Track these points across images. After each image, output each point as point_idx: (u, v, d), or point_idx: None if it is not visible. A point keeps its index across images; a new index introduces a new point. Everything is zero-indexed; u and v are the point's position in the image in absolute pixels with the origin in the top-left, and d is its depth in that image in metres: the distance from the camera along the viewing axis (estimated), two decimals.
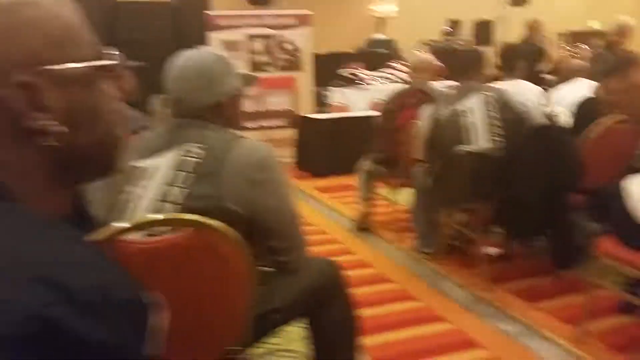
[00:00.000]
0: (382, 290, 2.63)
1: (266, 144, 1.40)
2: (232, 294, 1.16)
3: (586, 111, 2.68)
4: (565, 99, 3.35)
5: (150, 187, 1.25)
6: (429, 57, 3.95)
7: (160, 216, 1.14)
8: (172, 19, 6.91)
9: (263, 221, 1.33)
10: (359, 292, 2.56)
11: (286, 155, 6.96)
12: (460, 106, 2.63)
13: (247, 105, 6.87)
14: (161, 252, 1.06)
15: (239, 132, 1.38)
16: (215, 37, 6.65)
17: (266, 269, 1.48)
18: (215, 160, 1.26)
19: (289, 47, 6.94)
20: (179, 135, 1.31)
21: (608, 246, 1.90)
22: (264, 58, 6.87)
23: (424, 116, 2.79)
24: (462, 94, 2.71)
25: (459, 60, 2.96)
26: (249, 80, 1.56)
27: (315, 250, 3.29)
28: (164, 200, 1.23)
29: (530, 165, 2.36)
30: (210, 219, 1.09)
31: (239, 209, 1.25)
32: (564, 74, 3.92)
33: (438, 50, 9.96)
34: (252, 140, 1.37)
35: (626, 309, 2.21)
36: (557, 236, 2.53)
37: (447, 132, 2.63)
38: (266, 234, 1.36)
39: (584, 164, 2.39)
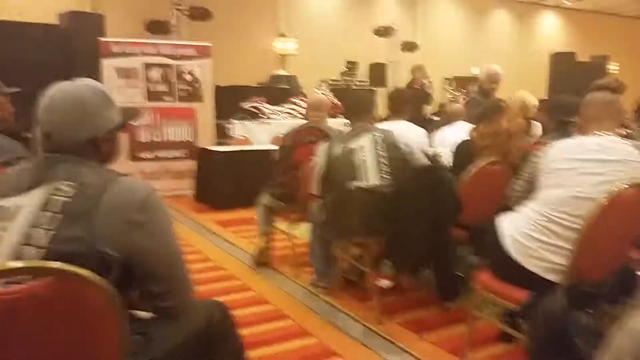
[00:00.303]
0: (277, 328, 2.60)
1: (147, 183, 1.33)
2: (99, 346, 1.07)
3: (463, 152, 2.92)
4: (446, 140, 3.62)
5: (12, 229, 1.13)
6: (324, 96, 4.08)
7: (19, 263, 1.03)
8: (61, 42, 6.49)
9: (142, 264, 1.25)
10: (254, 330, 2.53)
11: (185, 187, 6.78)
12: (353, 144, 2.74)
13: (144, 135, 6.64)
14: (21, 303, 0.96)
15: (117, 171, 1.30)
16: (108, 64, 6.38)
17: (145, 315, 1.40)
18: (88, 200, 1.17)
19: (189, 77, 6.84)
20: (48, 172, 1.20)
21: (485, 279, 2.04)
22: (161, 87, 6.70)
23: (320, 153, 2.86)
24: (354, 133, 2.84)
25: (352, 101, 3.10)
26: (130, 115, 1.48)
27: (212, 287, 3.22)
28: (26, 244, 1.12)
29: (414, 202, 2.49)
30: (75, 266, 1.00)
31: (113, 252, 1.17)
32: (446, 117, 4.25)
33: (336, 89, 10.39)
34: (132, 179, 1.29)
35: (505, 338, 2.36)
36: (440, 269, 2.68)
37: (340, 168, 2.72)
38: (146, 277, 1.28)
39: (463, 201, 2.57)
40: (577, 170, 1.84)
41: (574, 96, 3.19)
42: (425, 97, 4.66)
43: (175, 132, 6.85)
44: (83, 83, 1.33)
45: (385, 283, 3.18)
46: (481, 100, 4.72)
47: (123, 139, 6.49)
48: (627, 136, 2.40)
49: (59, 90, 1.28)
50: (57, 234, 1.12)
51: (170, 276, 1.32)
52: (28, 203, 1.15)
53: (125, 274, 1.22)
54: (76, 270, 0.99)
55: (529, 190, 2.10)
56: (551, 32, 15.67)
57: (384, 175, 2.65)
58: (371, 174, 2.66)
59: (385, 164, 2.67)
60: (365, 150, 2.73)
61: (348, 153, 2.73)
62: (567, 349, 1.69)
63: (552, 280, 1.80)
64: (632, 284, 1.88)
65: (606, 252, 1.82)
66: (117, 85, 6.45)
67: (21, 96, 3.74)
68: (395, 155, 2.71)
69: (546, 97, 10.29)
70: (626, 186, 1.70)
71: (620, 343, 1.24)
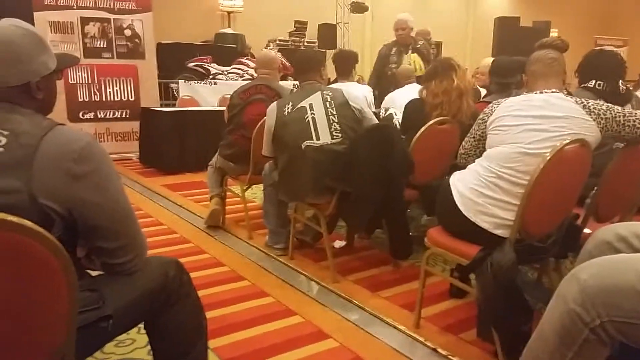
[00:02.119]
0: (233, 289, 2.59)
1: (88, 133, 1.25)
2: (46, 301, 1.01)
3: (413, 111, 2.94)
4: (396, 102, 3.65)
5: None
6: (275, 54, 3.98)
7: None
8: None
9: (87, 219, 1.18)
10: (210, 292, 2.51)
11: (129, 150, 6.52)
12: (302, 103, 2.71)
13: (82, 94, 6.29)
14: None
15: (55, 120, 1.21)
16: (40, 17, 5.93)
17: (95, 272, 1.35)
18: (25, 149, 1.08)
19: (128, 32, 6.47)
20: None
21: (436, 235, 2.10)
22: (99, 43, 6.32)
23: (269, 112, 2.81)
24: (303, 91, 2.80)
25: (301, 60, 3.03)
26: (66, 61, 1.37)
27: (164, 250, 3.15)
28: None
29: (365, 161, 2.50)
30: (17, 217, 0.93)
31: (55, 206, 1.10)
32: (399, 77, 4.26)
33: (285, 49, 10.19)
34: (71, 129, 1.21)
35: (456, 293, 2.47)
36: (393, 228, 2.73)
37: (290, 128, 2.68)
38: (93, 233, 1.21)
39: (414, 160, 2.61)
40: (523, 127, 1.89)
41: (511, 58, 3.29)
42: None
43: (116, 91, 6.53)
44: (11, 23, 1.21)
45: (339, 244, 3.23)
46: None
47: (60, 98, 6.15)
48: (568, 94, 2.50)
49: None
50: None
51: (120, 231, 1.26)
52: None
53: (70, 229, 1.16)
54: (19, 221, 0.92)
55: (478, 147, 2.16)
56: None
57: (335, 133, 2.64)
58: (322, 132, 2.65)
59: (336, 122, 2.67)
60: (315, 108, 2.71)
61: (298, 111, 2.70)
62: (515, 302, 1.78)
63: (501, 235, 1.88)
64: (576, 238, 2.00)
65: (551, 207, 1.91)
66: (50, 40, 6.02)
67: None
68: (345, 114, 2.70)
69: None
70: (569, 141, 1.77)
71: (567, 291, 1.31)
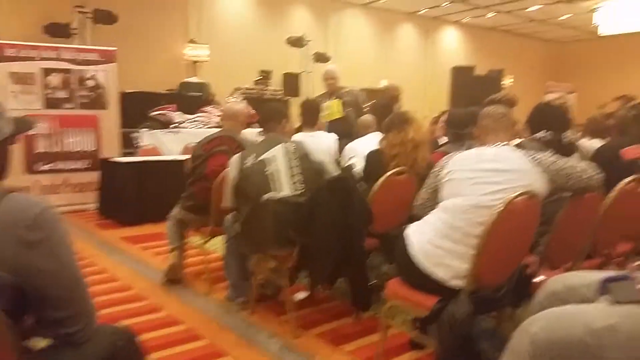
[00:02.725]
0: (190, 350, 2.50)
1: (42, 199, 1.23)
2: None
3: (373, 161, 3.01)
4: (358, 151, 3.72)
5: None
6: (240, 105, 4.03)
7: None
8: None
9: (38, 288, 1.14)
10: (165, 354, 2.41)
11: (88, 201, 6.36)
12: (265, 155, 2.73)
13: (41, 145, 6.16)
14: None
15: (8, 186, 1.18)
16: (2, 68, 5.86)
17: (43, 343, 1.28)
18: None
19: (91, 83, 6.45)
20: None
21: (395, 287, 2.11)
22: (61, 94, 6.26)
23: (232, 164, 2.82)
24: (266, 143, 2.83)
25: (264, 112, 3.09)
26: (23, 126, 1.36)
27: (119, 309, 3.04)
28: None
29: (326, 212, 2.52)
30: None
31: (5, 275, 1.07)
32: (359, 128, 4.36)
33: (250, 98, 10.31)
34: (24, 195, 1.18)
35: (416, 345, 2.45)
36: (353, 279, 2.73)
37: (253, 180, 2.69)
38: (44, 302, 1.17)
39: (373, 210, 2.64)
40: (476, 180, 1.96)
41: (466, 109, 3.44)
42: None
43: (77, 141, 6.42)
44: None
45: (301, 295, 3.18)
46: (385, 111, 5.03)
47: (17, 149, 6.01)
48: (519, 145, 2.61)
49: None
50: None
51: (71, 300, 1.22)
52: None
53: (20, 299, 1.12)
54: None
55: (433, 199, 2.21)
56: (453, 46, 16.69)
57: (297, 186, 2.66)
58: (284, 185, 2.67)
59: (297, 174, 2.69)
60: (277, 160, 2.73)
61: (260, 164, 2.71)
62: (473, 353, 1.78)
63: (456, 286, 1.89)
64: (529, 287, 2.04)
65: (504, 257, 1.96)
66: (12, 91, 5.95)
67: None
68: (307, 166, 2.74)
69: (447, 109, 10.96)
70: (519, 193, 1.83)
71: (519, 344, 1.33)
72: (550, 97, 11.83)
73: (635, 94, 14.70)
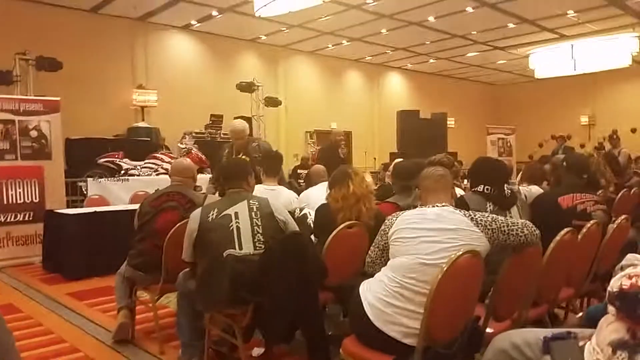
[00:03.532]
0: None
1: None
2: None
3: (322, 215, 3.07)
4: (310, 200, 3.77)
5: None
6: (188, 161, 4.01)
7: None
8: None
9: None
10: None
11: (31, 255, 6.07)
12: (228, 211, 2.71)
13: None
14: None
15: None
16: None
17: None
18: None
19: (34, 134, 6.26)
20: None
21: (349, 345, 2.12)
22: (2, 145, 6.03)
23: (193, 217, 2.77)
24: (230, 199, 2.80)
25: (229, 169, 3.04)
26: None
27: None
28: None
29: (279, 269, 2.51)
30: None
31: None
32: (312, 176, 4.43)
33: (200, 142, 10.28)
34: None
35: None
36: (309, 334, 2.72)
37: (214, 234, 2.66)
38: None
39: (327, 264, 2.67)
40: (420, 239, 2.04)
41: (412, 160, 3.59)
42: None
43: (19, 193, 6.17)
44: None
45: (257, 351, 3.13)
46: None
47: None
48: (462, 198, 2.74)
49: None
50: None
51: None
52: None
53: None
54: None
55: (383, 256, 2.26)
56: (398, 90, 17.40)
57: (258, 244, 2.65)
58: (245, 242, 2.65)
59: (260, 233, 2.68)
60: (240, 217, 2.71)
61: (222, 219, 2.69)
62: None
63: (409, 344, 1.94)
64: (480, 340, 2.11)
65: (453, 313, 2.02)
66: None
67: None
68: (270, 224, 2.73)
69: (396, 150, 11.32)
70: (461, 252, 1.92)
71: None
72: (491, 138, 12.45)
73: (570, 132, 15.71)
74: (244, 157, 4.80)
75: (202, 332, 2.99)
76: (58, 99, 6.55)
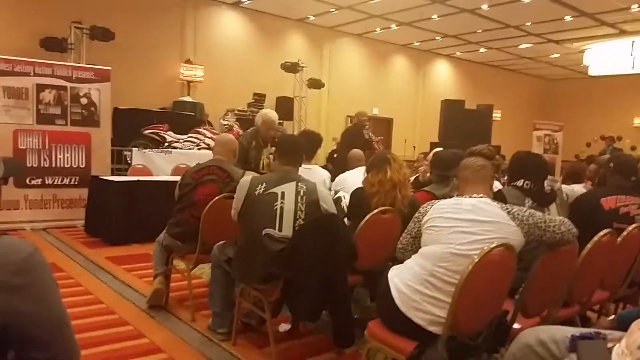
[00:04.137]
0: None
1: (28, 243, 1.26)
2: None
3: (357, 198, 3.07)
4: (347, 184, 3.79)
5: None
6: (231, 135, 4.08)
7: None
8: None
9: (21, 329, 1.16)
10: None
11: (75, 218, 6.35)
12: (276, 189, 2.72)
13: (31, 159, 6.17)
14: None
15: None
16: None
17: None
18: None
19: (84, 101, 6.49)
20: None
21: (375, 329, 2.15)
22: (53, 110, 6.29)
23: (242, 186, 2.78)
24: (279, 177, 2.80)
25: (286, 145, 2.98)
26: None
27: (101, 333, 3.05)
28: None
29: (310, 249, 2.55)
30: None
31: None
32: (350, 161, 4.43)
33: (242, 119, 10.41)
34: (12, 238, 1.22)
35: None
36: (336, 316, 2.76)
37: (258, 209, 2.69)
38: (26, 343, 1.19)
39: (358, 247, 2.70)
40: (454, 229, 2.03)
41: (452, 151, 3.53)
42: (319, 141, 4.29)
43: (67, 157, 6.44)
44: None
45: (284, 327, 3.21)
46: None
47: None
48: (499, 192, 2.69)
49: None
50: None
51: (54, 342, 1.24)
52: None
53: (2, 339, 1.15)
54: None
55: (414, 244, 2.26)
56: (444, 78, 17.03)
57: (297, 227, 2.69)
58: (285, 225, 2.67)
59: (302, 218, 2.69)
60: (286, 198, 2.71)
61: (269, 195, 2.70)
62: None
63: (434, 332, 1.95)
64: (506, 334, 2.10)
65: (481, 305, 2.01)
66: (3, 104, 5.98)
67: None
68: (313, 212, 2.73)
69: (437, 140, 11.13)
70: (495, 245, 1.90)
71: None
72: (538, 134, 12.09)
73: (621, 134, 15.05)
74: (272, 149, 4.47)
75: (232, 303, 3.08)
76: (109, 68, 6.76)
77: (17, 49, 8.05)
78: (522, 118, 17.19)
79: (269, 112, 4.94)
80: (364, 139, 6.90)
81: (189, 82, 11.57)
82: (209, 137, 8.57)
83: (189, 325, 3.26)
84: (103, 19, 9.52)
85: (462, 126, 10.89)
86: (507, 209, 2.06)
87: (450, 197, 3.24)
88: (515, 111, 17.92)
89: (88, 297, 3.73)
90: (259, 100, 11.70)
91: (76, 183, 6.44)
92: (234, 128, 9.31)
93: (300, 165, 2.96)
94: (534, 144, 11.77)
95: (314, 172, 3.87)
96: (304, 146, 3.10)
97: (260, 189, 2.73)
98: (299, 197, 2.73)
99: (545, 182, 2.72)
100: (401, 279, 2.08)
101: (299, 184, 2.78)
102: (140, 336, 3.05)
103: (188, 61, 11.52)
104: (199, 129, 8.83)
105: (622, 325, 1.52)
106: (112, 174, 6.89)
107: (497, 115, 15.23)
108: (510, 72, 18.53)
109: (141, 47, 10.73)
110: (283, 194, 2.72)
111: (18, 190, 6.07)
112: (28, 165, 6.15)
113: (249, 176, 2.90)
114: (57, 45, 9.22)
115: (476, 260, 1.86)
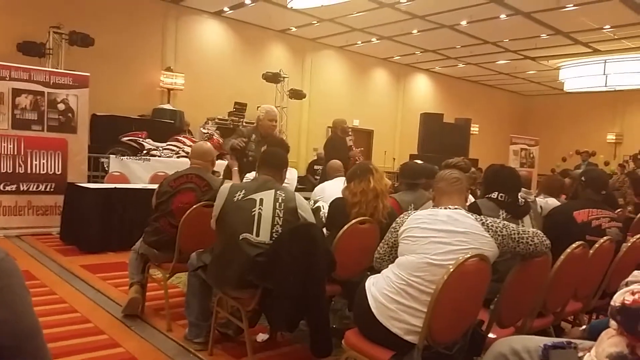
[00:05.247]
0: None
1: (1, 248, 1.24)
2: None
3: (336, 208, 3.09)
4: (326, 193, 3.81)
5: None
6: (209, 145, 4.06)
7: None
8: None
9: None
10: None
11: (50, 225, 6.23)
12: (254, 196, 2.74)
13: (4, 165, 6.04)
14: None
15: None
16: None
17: None
18: None
19: (62, 107, 6.40)
20: None
21: (352, 338, 2.16)
22: (30, 115, 6.18)
23: (222, 192, 2.80)
24: (258, 184, 2.82)
25: (269, 156, 3.00)
26: None
27: (76, 342, 3.00)
28: None
29: (288, 258, 2.55)
30: None
31: None
32: (329, 170, 4.46)
33: (223, 128, 10.38)
34: None
35: None
36: (313, 325, 2.76)
37: (236, 214, 2.70)
38: None
39: (336, 257, 2.71)
40: (430, 239, 2.06)
41: (421, 164, 3.66)
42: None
43: (43, 164, 6.32)
44: None
45: (262, 337, 3.19)
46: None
47: None
48: (474, 204, 2.73)
49: None
50: None
51: (23, 351, 1.23)
52: None
53: None
54: None
55: (391, 254, 2.29)
56: (423, 92, 17.28)
57: (275, 235, 2.68)
58: (263, 230, 2.68)
59: (279, 225, 2.70)
60: (264, 204, 2.73)
61: (247, 202, 2.72)
62: None
63: (411, 341, 1.96)
64: (481, 344, 2.13)
65: (456, 315, 2.04)
66: None
67: None
68: (291, 219, 2.74)
69: (416, 153, 11.26)
70: (470, 255, 1.94)
71: None
72: (514, 148, 12.32)
73: (595, 149, 15.43)
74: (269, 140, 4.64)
75: (209, 313, 3.06)
76: (88, 74, 6.68)
77: None
78: (500, 132, 17.52)
79: (272, 106, 5.28)
80: (347, 146, 6.94)
81: (169, 89, 11.50)
82: (188, 145, 8.49)
83: (165, 335, 3.22)
84: (83, 25, 9.42)
85: (441, 139, 11.06)
86: (481, 220, 2.10)
87: (416, 204, 3.32)
88: (494, 125, 18.26)
89: (62, 305, 3.66)
90: (239, 109, 11.71)
91: (52, 190, 6.32)
92: (214, 137, 9.27)
93: (282, 175, 2.97)
94: (511, 158, 11.99)
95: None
96: (285, 157, 3.12)
97: (239, 195, 2.76)
98: (277, 204, 2.75)
99: (520, 194, 2.78)
100: (378, 288, 2.10)
101: (278, 191, 2.80)
102: (116, 345, 3.00)
103: (169, 69, 11.47)
104: (178, 137, 8.77)
105: (593, 334, 1.56)
106: (89, 181, 6.78)
107: (475, 129, 15.51)
108: (488, 87, 18.91)
109: (121, 54, 10.65)
110: (262, 200, 2.74)
111: None
112: (2, 171, 6.03)
113: (228, 184, 2.91)
114: (35, 50, 9.08)
115: (451, 270, 1.89)
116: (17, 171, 6.13)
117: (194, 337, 3.08)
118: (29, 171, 6.20)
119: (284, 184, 2.99)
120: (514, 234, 2.10)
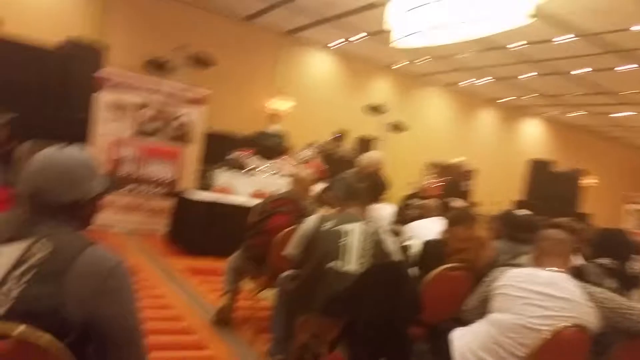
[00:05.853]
0: None
1: (117, 254, 1.42)
2: None
3: (432, 251, 3.05)
4: (421, 230, 3.78)
5: None
6: (307, 172, 4.25)
7: None
8: (59, 66, 6.37)
9: (100, 329, 1.32)
10: None
11: (158, 225, 6.79)
12: (343, 227, 2.80)
13: (125, 168, 6.71)
14: None
15: (88, 238, 1.38)
16: (103, 95, 6.53)
17: None
18: (62, 262, 1.25)
19: (181, 120, 7.00)
20: (28, 229, 1.30)
21: None
22: (151, 125, 6.84)
23: (311, 220, 2.91)
24: (346, 217, 2.89)
25: (341, 189, 3.11)
26: (110, 187, 1.57)
27: (168, 339, 3.22)
28: None
29: (374, 294, 2.57)
30: (36, 325, 1.13)
31: (76, 317, 1.25)
32: (423, 210, 4.43)
33: (324, 153, 10.67)
34: (104, 248, 1.38)
35: None
36: None
37: (324, 243, 2.77)
38: (102, 343, 1.34)
39: (424, 300, 2.68)
40: (527, 300, 1.98)
41: (525, 215, 3.47)
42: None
43: (158, 170, 6.95)
44: (72, 154, 1.43)
45: None
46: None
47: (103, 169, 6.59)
48: (580, 268, 2.58)
49: (49, 157, 1.39)
50: (26, 289, 1.21)
51: (126, 346, 1.39)
52: (7, 253, 1.25)
53: (83, 337, 1.30)
54: (36, 339, 1.13)
55: (482, 307, 2.22)
56: (532, 138, 16.48)
57: (363, 266, 2.74)
58: (351, 259, 2.74)
59: (366, 257, 2.74)
60: (354, 235, 2.79)
61: (337, 233, 2.79)
62: None
63: None
64: None
65: None
66: (106, 117, 6.58)
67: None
68: (377, 252, 2.77)
69: (519, 199, 10.75)
70: (569, 325, 1.84)
71: None
72: (630, 207, 11.33)
73: None
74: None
75: (293, 332, 3.15)
76: (208, 91, 7.27)
77: (124, 66, 8.82)
78: (614, 189, 16.17)
79: (374, 154, 5.69)
80: (461, 191, 6.82)
81: (276, 113, 12.11)
82: (289, 167, 8.87)
83: (249, 345, 3.37)
84: (203, 48, 10.29)
85: (548, 188, 10.48)
86: (586, 288, 1.99)
87: (513, 256, 3.16)
88: (608, 180, 16.89)
89: (161, 300, 3.97)
90: (341, 136, 11.96)
91: (163, 194, 6.90)
92: (314, 161, 9.57)
93: (365, 207, 3.02)
94: (625, 217, 11.04)
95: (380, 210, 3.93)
96: (365, 191, 3.18)
97: (328, 224, 2.83)
98: (364, 237, 2.79)
99: (631, 263, 2.59)
100: (466, 342, 2.06)
101: (364, 224, 2.85)
102: (204, 347, 3.20)
103: (277, 94, 12.11)
104: (281, 158, 9.19)
105: None
106: (197, 190, 7.31)
107: (589, 181, 14.46)
108: (605, 139, 17.61)
109: (236, 77, 11.42)
110: (351, 231, 2.79)
111: (108, 196, 6.61)
112: (123, 173, 6.70)
113: (317, 214, 3.01)
114: (159, 68, 10.02)
115: (548, 336, 1.82)
116: (135, 175, 6.79)
117: (275, 353, 3.17)
118: (145, 176, 6.83)
119: (375, 218, 3.05)
120: (621, 308, 1.96)
